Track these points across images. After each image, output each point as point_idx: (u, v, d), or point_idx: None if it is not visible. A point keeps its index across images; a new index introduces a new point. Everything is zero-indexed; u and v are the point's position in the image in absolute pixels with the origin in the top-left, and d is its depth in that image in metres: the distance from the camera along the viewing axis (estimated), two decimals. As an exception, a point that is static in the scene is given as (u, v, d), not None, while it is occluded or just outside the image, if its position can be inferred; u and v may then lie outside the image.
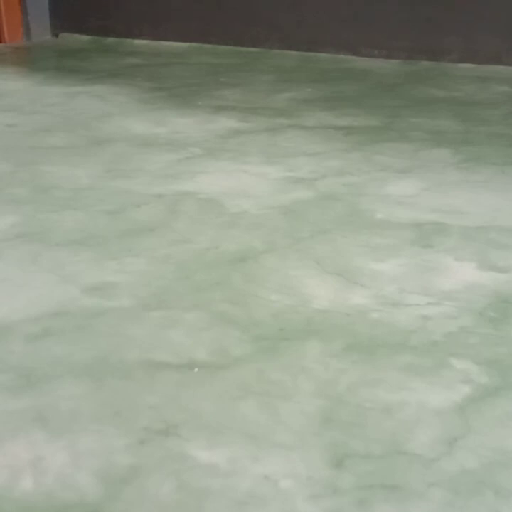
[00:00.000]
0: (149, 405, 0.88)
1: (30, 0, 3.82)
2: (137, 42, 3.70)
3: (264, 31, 3.42)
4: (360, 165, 1.77)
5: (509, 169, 1.73)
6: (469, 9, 2.97)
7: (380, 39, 3.16)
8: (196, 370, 0.95)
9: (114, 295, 1.15)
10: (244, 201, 1.53)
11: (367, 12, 3.18)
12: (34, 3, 3.83)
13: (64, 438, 0.82)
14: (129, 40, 3.73)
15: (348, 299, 1.13)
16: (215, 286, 1.17)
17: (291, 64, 3.14)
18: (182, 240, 1.35)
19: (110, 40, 3.77)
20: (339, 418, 0.86)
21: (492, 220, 1.43)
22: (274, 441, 0.82)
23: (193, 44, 3.57)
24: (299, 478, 0.76)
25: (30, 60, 3.50)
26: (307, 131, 2.07)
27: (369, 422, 0.85)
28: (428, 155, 1.84)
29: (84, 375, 0.94)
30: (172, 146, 1.94)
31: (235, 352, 0.99)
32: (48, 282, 1.19)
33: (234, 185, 1.63)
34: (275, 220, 1.44)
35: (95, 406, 0.88)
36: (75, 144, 1.97)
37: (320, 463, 0.78)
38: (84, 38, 3.85)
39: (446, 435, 0.83)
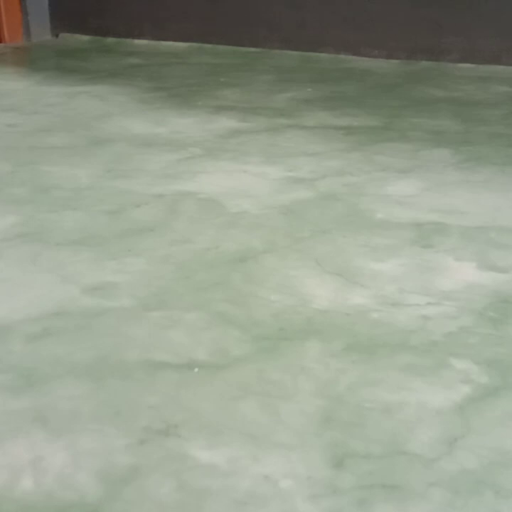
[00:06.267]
0: (149, 405, 0.88)
1: (30, 0, 3.82)
2: (137, 42, 3.70)
3: (264, 31, 3.42)
4: (360, 165, 1.77)
5: (509, 169, 1.73)
6: (469, 9, 2.97)
7: (380, 39, 3.16)
8: (196, 370, 0.95)
9: (114, 295, 1.14)
10: (244, 201, 1.53)
11: (367, 12, 3.18)
12: (34, 3, 3.83)
13: (64, 438, 0.82)
14: (129, 40, 3.74)
15: (348, 298, 1.13)
16: (215, 286, 1.17)
17: (291, 64, 3.14)
18: (182, 240, 1.35)
19: (110, 40, 3.77)
20: (339, 418, 0.86)
21: (492, 220, 1.43)
22: (274, 441, 0.82)
23: (193, 44, 3.57)
24: (299, 478, 0.76)
25: (30, 60, 3.50)
26: (307, 131, 2.07)
27: (369, 422, 0.85)
28: (428, 155, 1.84)
29: (84, 375, 0.94)
30: (172, 146, 1.94)
31: (235, 352, 0.99)
32: (48, 282, 1.19)
33: (234, 185, 1.63)
34: (275, 220, 1.44)
35: (95, 406, 0.88)
36: (75, 144, 1.97)
37: (320, 463, 0.78)
38: (84, 38, 3.85)
39: (446, 435, 0.83)
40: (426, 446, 0.81)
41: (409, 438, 0.82)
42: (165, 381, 0.93)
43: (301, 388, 0.91)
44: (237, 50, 3.44)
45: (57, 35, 3.93)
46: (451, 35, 3.02)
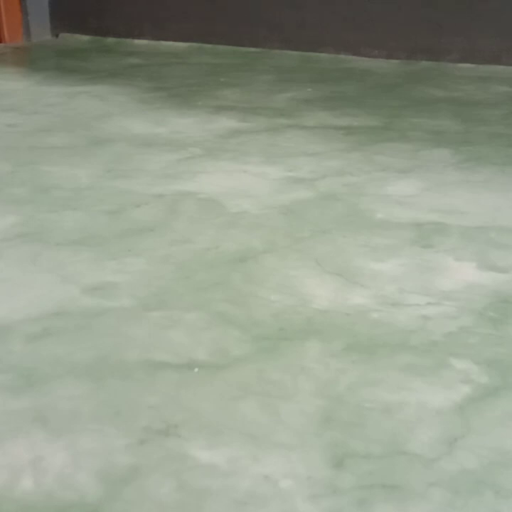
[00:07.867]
0: (149, 405, 0.88)
1: (30, 0, 3.82)
2: (137, 42, 3.70)
3: (264, 31, 3.42)
4: (360, 165, 1.77)
5: (509, 169, 1.73)
6: (469, 9, 2.97)
7: (380, 39, 3.16)
8: (196, 370, 0.95)
9: (114, 295, 1.14)
10: (244, 201, 1.53)
11: (367, 12, 3.18)
12: (34, 3, 3.83)
13: (64, 438, 0.82)
14: (129, 40, 3.74)
15: (348, 298, 1.13)
16: (215, 286, 1.17)
17: (291, 64, 3.14)
18: (182, 240, 1.35)
19: (110, 40, 3.77)
20: (339, 418, 0.86)
21: (492, 220, 1.43)
22: (274, 441, 0.82)
23: (193, 44, 3.57)
24: (299, 478, 0.76)
25: (30, 60, 3.50)
26: (307, 131, 2.07)
27: (369, 422, 0.85)
28: (428, 155, 1.84)
29: (84, 375, 0.94)
30: (172, 146, 1.94)
31: (235, 352, 0.99)
32: (48, 282, 1.19)
33: (234, 185, 1.63)
34: (275, 220, 1.44)
35: (95, 406, 0.88)
36: (75, 144, 1.97)
37: (320, 463, 0.78)
38: (84, 38, 3.85)
39: (446, 435, 0.83)
40: (426, 446, 0.81)
41: (409, 438, 0.82)
42: (165, 381, 0.93)
43: (301, 388, 0.91)
44: (237, 50, 3.44)
45: (57, 35, 3.93)
46: (451, 35, 3.02)
